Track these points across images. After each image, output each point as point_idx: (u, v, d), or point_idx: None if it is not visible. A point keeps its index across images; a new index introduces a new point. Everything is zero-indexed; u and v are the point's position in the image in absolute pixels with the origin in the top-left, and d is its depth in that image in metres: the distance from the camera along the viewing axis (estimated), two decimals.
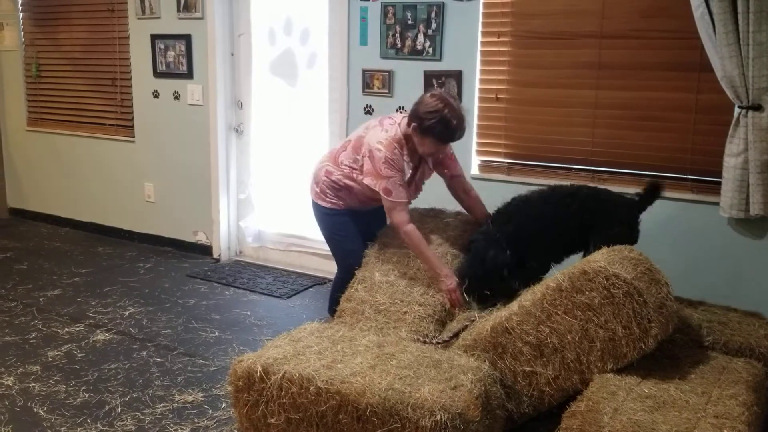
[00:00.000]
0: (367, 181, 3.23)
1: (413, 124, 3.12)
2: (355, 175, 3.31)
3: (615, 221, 3.05)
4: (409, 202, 3.30)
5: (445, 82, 4.22)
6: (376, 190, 3.20)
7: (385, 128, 3.22)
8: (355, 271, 3.37)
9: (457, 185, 3.47)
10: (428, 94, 3.16)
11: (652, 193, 3.14)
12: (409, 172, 3.25)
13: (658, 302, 2.58)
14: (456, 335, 2.98)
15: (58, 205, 6.23)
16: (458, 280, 3.15)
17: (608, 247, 2.81)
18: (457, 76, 4.18)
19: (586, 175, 3.89)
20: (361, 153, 3.25)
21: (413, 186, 3.36)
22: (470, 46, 4.13)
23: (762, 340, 2.91)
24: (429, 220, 3.55)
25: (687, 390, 2.47)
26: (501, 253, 3.08)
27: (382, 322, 3.16)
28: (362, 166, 3.25)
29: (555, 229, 3.09)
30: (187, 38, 5.13)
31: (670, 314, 2.63)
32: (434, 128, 3.08)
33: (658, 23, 3.63)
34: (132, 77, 5.52)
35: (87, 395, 3.24)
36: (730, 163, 3.38)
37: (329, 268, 4.92)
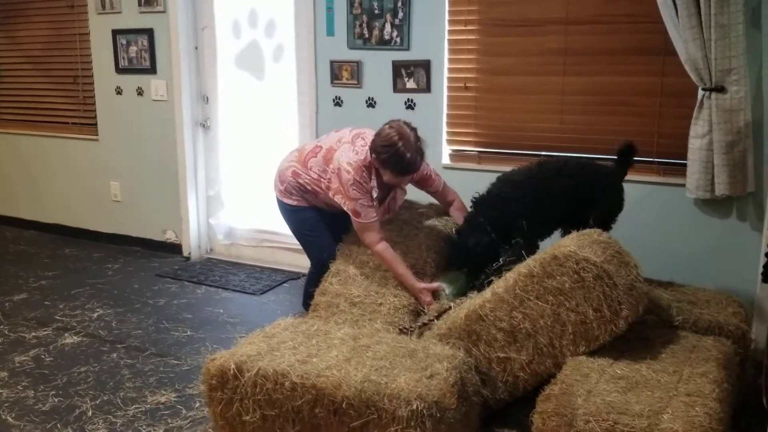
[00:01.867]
0: (336, 198, 3.24)
1: (372, 155, 3.14)
2: (322, 185, 3.31)
3: (605, 194, 3.10)
4: (378, 221, 3.27)
5: (413, 72, 4.21)
6: (345, 210, 3.22)
7: (356, 149, 3.21)
8: (330, 265, 3.36)
9: (440, 198, 3.53)
10: (387, 125, 3.15)
11: (628, 155, 3.16)
12: (375, 194, 3.24)
13: (627, 284, 2.61)
14: (438, 317, 2.98)
15: (22, 207, 6.09)
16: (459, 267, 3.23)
17: (605, 221, 2.87)
18: (426, 65, 4.17)
19: None
20: (330, 168, 3.25)
21: (383, 208, 3.36)
22: (438, 35, 4.12)
23: (730, 317, 2.96)
24: (403, 211, 3.54)
25: (659, 369, 2.51)
26: (484, 238, 3.11)
27: (357, 315, 3.15)
28: (330, 179, 3.25)
29: (542, 207, 3.11)
30: (149, 33, 5.04)
31: (640, 296, 2.66)
32: (389, 162, 3.10)
33: (622, 8, 3.65)
34: (94, 74, 5.41)
35: (56, 400, 3.18)
36: (695, 144, 3.42)
37: (303, 263, 4.88)
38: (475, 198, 3.26)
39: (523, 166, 3.27)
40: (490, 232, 3.13)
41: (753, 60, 3.32)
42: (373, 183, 3.22)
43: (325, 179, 3.29)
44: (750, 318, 3.20)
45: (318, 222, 3.42)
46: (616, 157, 3.20)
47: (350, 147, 3.23)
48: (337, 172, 3.20)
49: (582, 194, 3.11)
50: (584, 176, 3.15)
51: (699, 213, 3.61)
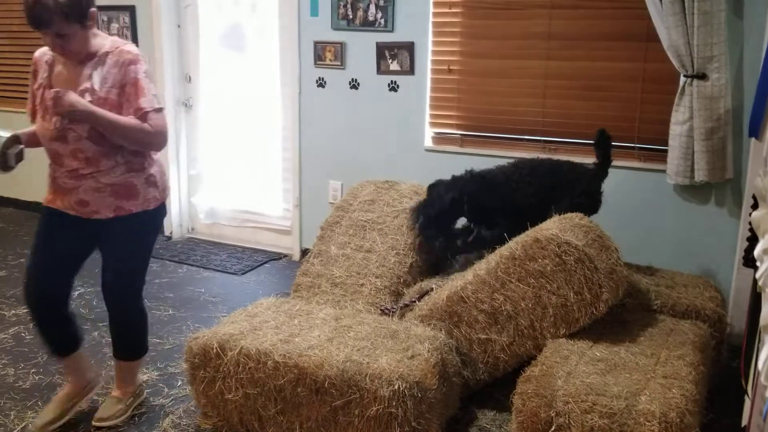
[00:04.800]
0: None
1: None
2: None
3: (578, 193, 3.09)
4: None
5: (397, 54, 4.19)
6: None
7: None
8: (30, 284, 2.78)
9: None
10: None
11: (606, 159, 3.18)
12: (41, 78, 2.74)
13: (608, 268, 2.64)
14: (420, 297, 3.00)
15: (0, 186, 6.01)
16: (414, 220, 3.26)
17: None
18: (410, 47, 4.15)
19: (537, 146, 3.93)
20: None
21: (37, 101, 2.73)
22: (422, 17, 4.10)
23: (707, 302, 3.01)
24: (383, 192, 3.55)
25: (637, 352, 2.55)
26: (450, 193, 3.17)
27: (339, 295, 3.17)
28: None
29: (515, 207, 3.14)
30: (131, 10, 4.96)
31: (620, 279, 2.69)
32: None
33: None
34: None
35: (37, 377, 3.16)
36: (676, 131, 3.46)
37: (284, 244, 4.90)
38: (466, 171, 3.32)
39: (499, 166, 3.29)
40: (462, 195, 3.17)
41: (734, 48, 3.36)
42: (48, 59, 2.77)
43: None
44: (726, 302, 3.26)
45: (41, 225, 2.91)
46: (597, 160, 3.20)
47: None
48: None
49: (553, 197, 3.13)
50: (555, 177, 3.16)
51: (678, 199, 3.65)
